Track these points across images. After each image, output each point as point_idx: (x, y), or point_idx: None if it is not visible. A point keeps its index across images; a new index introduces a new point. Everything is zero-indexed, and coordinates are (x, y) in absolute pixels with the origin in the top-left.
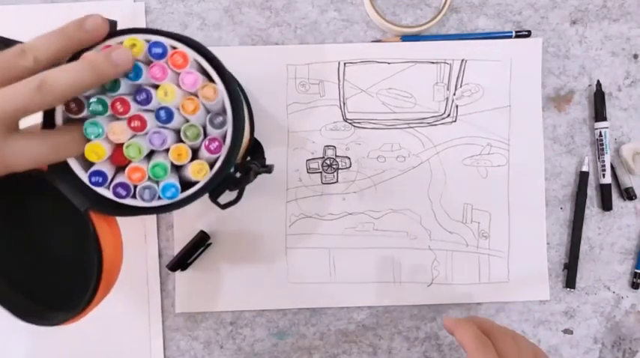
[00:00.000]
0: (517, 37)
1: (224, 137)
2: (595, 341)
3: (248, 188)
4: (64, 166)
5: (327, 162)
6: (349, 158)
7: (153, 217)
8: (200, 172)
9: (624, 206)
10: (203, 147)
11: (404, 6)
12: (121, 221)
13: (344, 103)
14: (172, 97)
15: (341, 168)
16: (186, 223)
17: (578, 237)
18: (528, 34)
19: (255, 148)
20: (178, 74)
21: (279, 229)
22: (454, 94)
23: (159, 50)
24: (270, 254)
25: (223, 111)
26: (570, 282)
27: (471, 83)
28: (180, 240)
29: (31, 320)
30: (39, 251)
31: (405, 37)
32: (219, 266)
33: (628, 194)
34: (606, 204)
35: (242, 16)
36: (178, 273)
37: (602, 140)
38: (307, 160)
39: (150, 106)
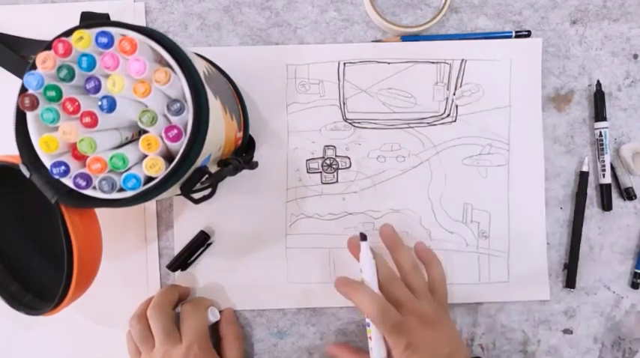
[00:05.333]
0: (517, 37)
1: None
2: (595, 341)
3: (248, 188)
4: (37, 159)
5: (327, 162)
6: (349, 158)
7: (153, 217)
8: (153, 167)
9: (624, 206)
10: (163, 135)
11: (404, 6)
12: (121, 221)
13: (344, 103)
14: (120, 87)
15: (341, 168)
16: (186, 223)
17: (578, 237)
18: (528, 34)
19: (251, 146)
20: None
21: (279, 229)
22: (454, 94)
23: (105, 39)
24: (270, 254)
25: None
26: (570, 282)
27: (471, 83)
28: (180, 240)
29: (20, 308)
30: (37, 244)
31: (405, 37)
32: (219, 266)
33: (628, 194)
34: (606, 204)
35: (242, 16)
36: (178, 273)
37: (602, 140)
38: (307, 160)
39: (99, 95)
